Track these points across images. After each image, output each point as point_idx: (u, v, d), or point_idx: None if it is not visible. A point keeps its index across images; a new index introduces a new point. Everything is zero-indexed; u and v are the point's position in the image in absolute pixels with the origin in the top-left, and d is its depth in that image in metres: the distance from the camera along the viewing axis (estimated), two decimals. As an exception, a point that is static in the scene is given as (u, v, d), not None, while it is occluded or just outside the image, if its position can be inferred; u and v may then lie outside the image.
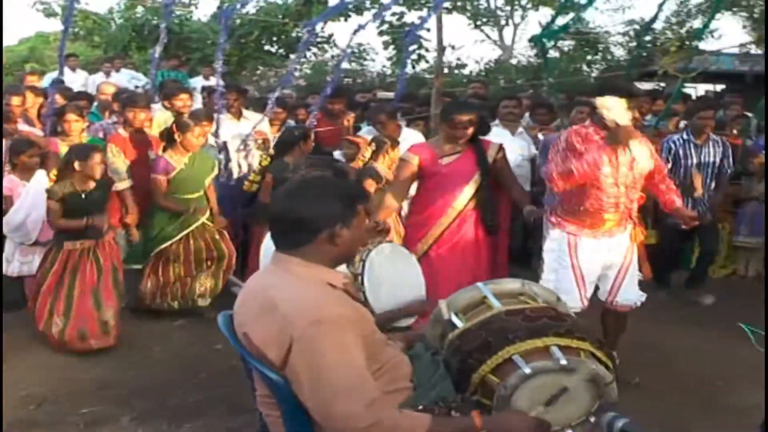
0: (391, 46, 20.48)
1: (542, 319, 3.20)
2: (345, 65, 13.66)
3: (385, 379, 3.04)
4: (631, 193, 5.41)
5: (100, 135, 8.02)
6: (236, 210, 7.96)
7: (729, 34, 34.90)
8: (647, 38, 14.05)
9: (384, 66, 22.49)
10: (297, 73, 16.99)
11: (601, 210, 5.33)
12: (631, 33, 19.79)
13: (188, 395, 5.51)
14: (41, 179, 7.03)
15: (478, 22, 25.28)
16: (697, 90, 19.66)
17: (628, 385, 5.39)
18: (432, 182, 5.92)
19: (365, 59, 22.46)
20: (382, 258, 4.30)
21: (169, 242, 7.21)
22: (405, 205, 6.76)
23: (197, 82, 13.91)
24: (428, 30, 11.42)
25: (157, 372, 6.00)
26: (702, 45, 13.78)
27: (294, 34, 19.38)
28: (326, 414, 2.76)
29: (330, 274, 3.05)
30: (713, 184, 8.00)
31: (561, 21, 11.49)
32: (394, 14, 19.13)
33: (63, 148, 7.38)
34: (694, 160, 7.83)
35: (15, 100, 8.14)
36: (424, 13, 12.18)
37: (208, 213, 7.41)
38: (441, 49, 11.13)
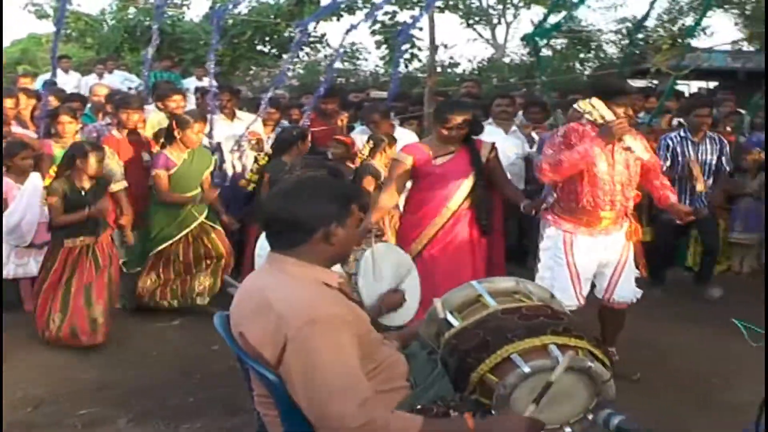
0: (384, 46, 20.49)
1: (539, 318, 3.21)
2: (338, 65, 13.70)
3: (381, 378, 3.05)
4: (628, 190, 5.42)
5: (94, 136, 7.99)
6: (230, 210, 7.94)
7: (721, 31, 35.04)
8: (639, 36, 14.09)
9: (377, 65, 22.56)
10: (290, 73, 16.92)
11: (598, 207, 5.34)
12: (624, 31, 19.85)
13: (186, 396, 5.50)
14: (36, 181, 7.02)
15: (471, 21, 25.36)
16: (690, 87, 19.67)
17: (628, 381, 5.41)
18: (426, 182, 5.88)
19: (358, 59, 22.50)
20: (377, 257, 4.31)
21: (169, 242, 7.23)
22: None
23: (190, 82, 13.91)
24: (420, 29, 11.41)
25: (155, 372, 5.99)
26: (694, 42, 13.82)
27: (286, 34, 19.38)
28: (319, 413, 2.76)
29: (325, 273, 3.05)
30: (710, 182, 8.01)
31: (553, 19, 11.51)
32: (386, 13, 19.18)
33: (57, 150, 7.39)
34: (692, 158, 7.85)
35: (8, 102, 8.13)
36: (416, 12, 12.16)
37: (206, 212, 7.42)
38: (434, 48, 11.11)
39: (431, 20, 10.43)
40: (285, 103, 10.97)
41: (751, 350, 5.52)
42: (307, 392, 2.77)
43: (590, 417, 3.12)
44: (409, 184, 6.11)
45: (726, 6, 18.84)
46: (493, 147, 6.06)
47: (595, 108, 5.08)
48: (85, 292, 6.51)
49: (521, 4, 24.83)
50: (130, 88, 12.06)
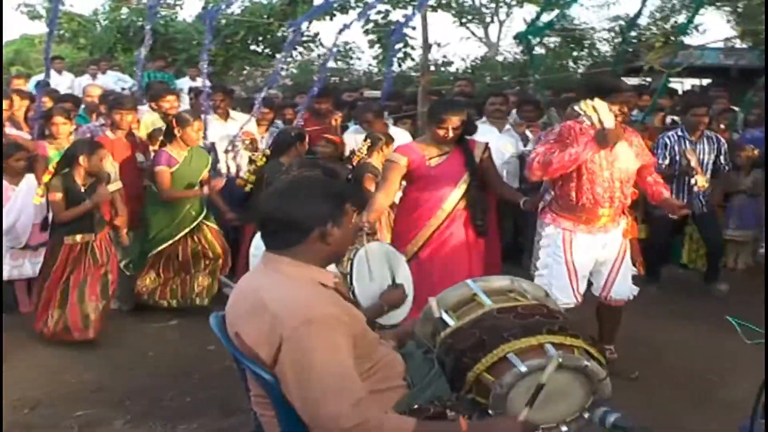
0: (377, 45, 20.50)
1: (535, 317, 3.21)
2: (331, 64, 13.69)
3: (378, 378, 3.06)
4: (626, 187, 5.46)
5: (88, 137, 7.97)
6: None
7: (713, 28, 35.06)
8: (632, 34, 14.09)
9: (370, 64, 22.53)
10: (283, 73, 16.95)
11: (597, 205, 5.36)
12: (617, 29, 19.86)
13: (183, 396, 5.51)
14: (30, 183, 7.02)
15: (464, 20, 25.33)
16: (683, 85, 19.71)
17: (624, 379, 5.41)
18: (420, 184, 5.85)
19: (351, 58, 22.49)
20: (371, 256, 4.32)
21: (169, 242, 7.25)
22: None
23: (184, 83, 13.90)
24: (413, 28, 11.48)
25: (152, 373, 5.99)
26: (687, 40, 13.79)
27: (279, 34, 19.37)
28: (313, 413, 2.77)
29: (321, 273, 3.06)
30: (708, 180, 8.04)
31: (546, 18, 11.51)
32: (379, 13, 19.22)
33: (51, 151, 7.39)
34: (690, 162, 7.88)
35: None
36: (409, 11, 12.19)
37: (204, 212, 7.44)
38: (427, 47, 11.12)
39: (424, 19, 10.44)
40: (279, 103, 10.97)
41: (746, 347, 5.51)
42: (301, 392, 2.78)
43: (586, 416, 3.13)
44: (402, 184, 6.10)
45: (718, 3, 18.85)
46: (486, 147, 6.05)
47: (596, 111, 5.03)
48: (80, 288, 6.53)
49: (514, 3, 24.81)
50: (123, 89, 12.07)
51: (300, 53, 21.15)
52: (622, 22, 19.06)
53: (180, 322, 7.19)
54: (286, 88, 17.61)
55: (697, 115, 7.97)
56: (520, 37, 11.73)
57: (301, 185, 3.18)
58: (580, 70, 20.05)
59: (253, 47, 20.45)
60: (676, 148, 7.92)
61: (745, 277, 8.58)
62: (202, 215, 7.41)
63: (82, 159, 6.52)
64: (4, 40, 26.27)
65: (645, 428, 4.40)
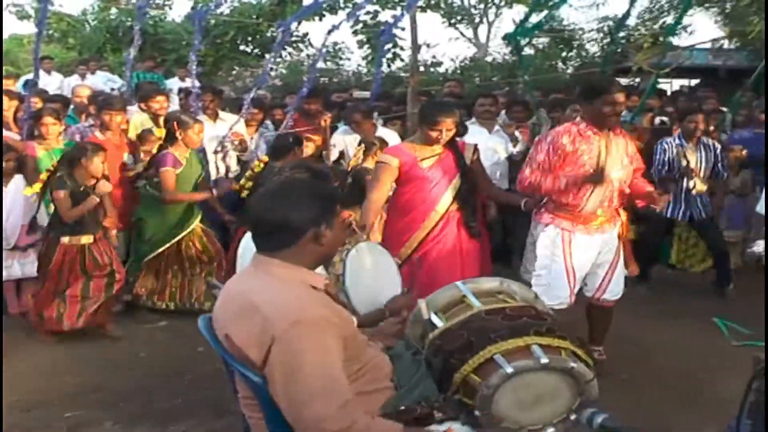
0: (366, 45, 20.50)
1: (523, 318, 3.23)
2: (320, 65, 13.68)
3: (366, 379, 3.07)
4: (624, 187, 5.51)
5: (77, 138, 7.98)
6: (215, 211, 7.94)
7: (701, 29, 35.13)
8: (621, 35, 14.13)
9: (359, 65, 22.52)
10: (272, 73, 16.93)
11: (595, 205, 5.41)
12: (605, 30, 19.89)
13: (173, 397, 5.50)
14: (19, 184, 7.00)
15: (453, 20, 25.37)
16: (671, 85, 19.79)
17: (613, 379, 5.43)
18: (413, 186, 5.79)
19: (341, 58, 22.47)
20: (361, 257, 4.32)
21: (167, 245, 7.25)
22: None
23: (173, 83, 13.88)
24: (403, 29, 11.46)
25: (142, 374, 5.99)
26: (675, 41, 13.85)
27: (269, 34, 19.36)
28: (299, 414, 2.77)
29: (311, 275, 3.07)
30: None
31: (535, 18, 11.54)
32: (368, 13, 19.23)
33: (40, 152, 7.38)
34: (688, 162, 7.95)
35: (-9, 104, 8.11)
36: (398, 11, 12.19)
37: (200, 215, 7.46)
38: (416, 48, 11.12)
39: (413, 20, 10.43)
40: (268, 104, 10.96)
41: (733, 346, 5.56)
42: (288, 393, 2.78)
43: (573, 417, 3.14)
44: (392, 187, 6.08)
45: (706, 4, 18.91)
46: (476, 149, 6.04)
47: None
48: (84, 285, 6.65)
49: (503, 3, 24.90)
50: (112, 89, 12.04)
51: (289, 53, 21.14)
52: (610, 23, 19.06)
53: (170, 323, 7.19)
54: (276, 89, 17.59)
55: (693, 121, 8.02)
56: (509, 38, 11.76)
57: (293, 187, 3.19)
58: (569, 71, 20.08)
59: (242, 47, 20.43)
60: (675, 155, 7.98)
61: (735, 278, 8.60)
62: (198, 218, 7.42)
63: (83, 161, 6.55)
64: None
65: (633, 429, 4.42)
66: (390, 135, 8.41)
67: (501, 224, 8.76)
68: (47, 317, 6.62)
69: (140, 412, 5.29)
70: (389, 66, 18.53)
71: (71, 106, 9.79)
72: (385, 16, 19.01)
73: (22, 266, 7.07)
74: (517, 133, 8.96)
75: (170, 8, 21.24)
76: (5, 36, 26.20)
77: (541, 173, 5.40)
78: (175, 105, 9.99)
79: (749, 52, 17.62)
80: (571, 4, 22.49)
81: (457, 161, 5.83)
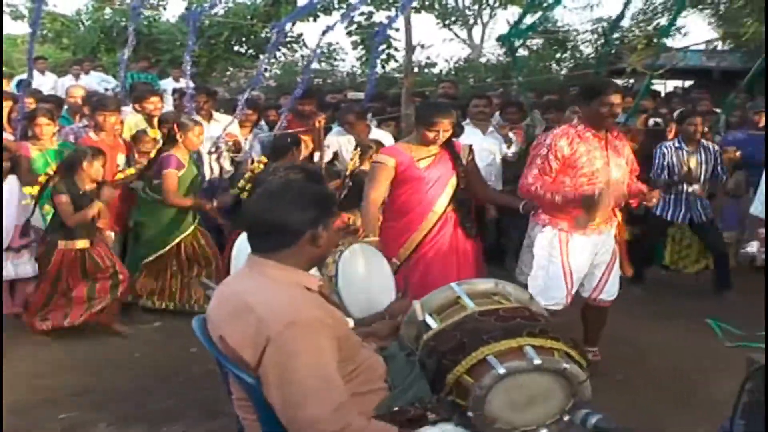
0: (360, 46, 20.49)
1: (516, 319, 3.23)
2: (315, 65, 13.65)
3: (360, 380, 3.07)
4: (622, 188, 5.53)
5: (71, 139, 7.97)
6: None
7: (695, 31, 35.24)
8: (615, 36, 14.14)
9: (354, 66, 22.50)
10: (267, 74, 16.92)
11: None
12: (599, 31, 19.91)
13: (166, 399, 5.49)
14: (12, 184, 6.98)
15: (447, 21, 25.36)
16: (665, 86, 19.82)
17: (607, 379, 5.45)
18: (409, 187, 5.74)
19: (335, 59, 22.45)
20: (354, 258, 4.32)
21: (168, 247, 7.27)
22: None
23: (167, 83, 13.86)
24: (397, 30, 11.44)
25: (135, 375, 5.98)
26: (669, 42, 13.89)
27: (263, 35, 19.35)
28: (294, 416, 2.78)
29: (306, 277, 3.07)
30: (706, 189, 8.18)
31: (529, 19, 11.55)
32: (362, 14, 19.18)
33: (34, 153, 7.35)
34: (689, 166, 7.98)
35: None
36: (392, 12, 12.19)
37: (198, 218, 7.46)
38: (410, 49, 11.12)
39: (407, 21, 10.44)
40: (262, 105, 10.96)
41: (726, 347, 5.58)
42: (282, 394, 2.78)
43: (566, 418, 3.14)
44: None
45: (700, 6, 18.95)
46: (471, 150, 6.04)
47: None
48: (89, 289, 6.69)
49: (497, 5, 24.87)
50: (106, 89, 12.03)
51: (283, 54, 21.09)
52: (604, 24, 19.08)
53: (165, 324, 7.17)
54: (270, 90, 17.56)
55: (692, 124, 8.07)
56: (503, 39, 11.79)
57: (290, 188, 3.19)
58: (563, 72, 20.09)
59: (236, 48, 20.42)
60: (674, 159, 8.03)
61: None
62: (197, 220, 7.44)
63: (85, 165, 6.57)
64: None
65: (627, 429, 4.43)
66: (384, 136, 8.41)
67: (495, 225, 8.77)
68: (52, 317, 6.66)
69: (134, 413, 5.27)
70: (383, 67, 18.52)
71: (65, 107, 9.78)
72: (380, 17, 19.00)
73: (15, 267, 7.03)
74: (511, 135, 8.96)
75: (164, 9, 21.26)
76: None
77: (542, 182, 5.41)
78: (169, 106, 10.01)
79: (743, 53, 17.68)
80: (566, 6, 22.62)
81: (454, 161, 5.81)
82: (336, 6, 18.33)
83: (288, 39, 19.46)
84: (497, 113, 9.80)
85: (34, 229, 6.98)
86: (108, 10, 20.11)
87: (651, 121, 9.97)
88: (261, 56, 18.03)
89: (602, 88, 5.44)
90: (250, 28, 19.27)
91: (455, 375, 3.09)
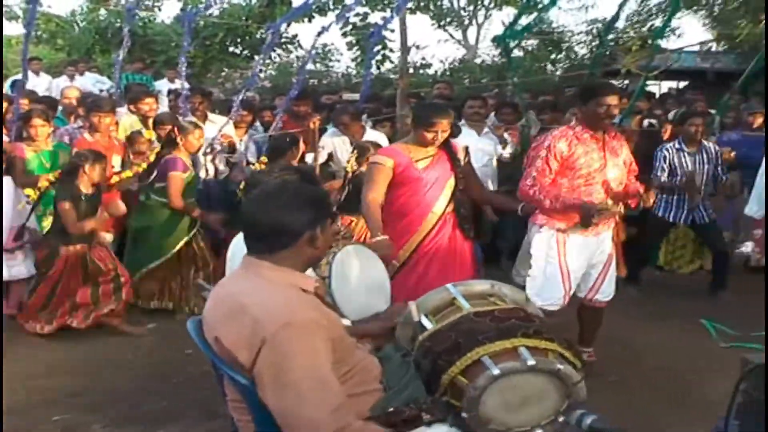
0: (356, 47, 20.49)
1: (511, 320, 3.23)
2: (310, 66, 13.68)
3: (355, 382, 3.06)
4: (619, 189, 5.55)
5: (66, 140, 7.95)
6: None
7: (690, 32, 35.28)
8: (610, 37, 14.14)
9: (349, 67, 22.51)
10: (262, 75, 16.92)
11: None
12: (594, 32, 19.93)
13: (161, 400, 5.48)
14: (7, 186, 6.98)
15: (442, 22, 25.40)
16: (660, 87, 19.84)
17: (603, 380, 5.47)
18: (407, 189, 5.66)
19: (330, 60, 22.47)
20: (348, 259, 4.32)
21: (173, 251, 7.29)
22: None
23: (162, 84, 13.86)
24: (392, 30, 11.45)
25: (130, 377, 5.97)
26: (663, 43, 13.88)
27: (258, 36, 19.35)
28: (291, 418, 2.77)
29: (302, 278, 3.07)
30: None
31: (524, 20, 11.54)
32: (357, 15, 19.20)
33: (29, 154, 7.34)
34: (690, 167, 8.00)
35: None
36: (387, 13, 12.17)
37: (199, 222, 7.47)
38: (405, 50, 11.12)
39: (403, 22, 10.45)
40: (257, 105, 10.96)
41: (723, 347, 5.59)
42: (279, 396, 2.78)
43: (561, 419, 3.14)
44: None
45: (695, 8, 18.99)
46: (467, 151, 6.02)
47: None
48: (92, 293, 6.74)
49: (492, 6, 24.94)
50: (101, 90, 12.01)
51: (278, 55, 21.11)
52: (599, 26, 19.10)
53: (159, 326, 7.16)
54: (265, 90, 17.57)
55: (694, 124, 8.10)
56: (498, 40, 11.73)
57: (287, 190, 3.18)
58: (558, 73, 20.12)
59: (231, 49, 20.41)
60: (676, 160, 8.06)
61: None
62: (198, 223, 7.46)
63: (87, 168, 6.58)
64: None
65: (622, 430, 4.43)
66: (379, 137, 8.40)
67: (490, 225, 8.77)
68: (56, 322, 6.70)
69: (129, 414, 5.27)
70: (378, 68, 18.52)
71: (60, 108, 9.76)
72: (375, 17, 18.99)
73: (9, 268, 7.04)
74: (506, 135, 8.98)
75: (159, 10, 21.22)
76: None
77: (541, 185, 5.41)
78: (164, 107, 9.99)
79: (737, 55, 17.72)
80: (561, 7, 22.63)
81: (452, 162, 5.76)
82: (331, 7, 18.33)
83: (283, 40, 19.49)
84: (492, 114, 9.81)
85: (28, 231, 6.96)
86: (103, 11, 20.10)
87: (645, 122, 9.99)
88: (256, 57, 17.97)
89: (599, 89, 5.46)
90: (245, 29, 19.27)
91: (450, 375, 3.09)
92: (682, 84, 20.90)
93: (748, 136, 9.26)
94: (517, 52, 17.76)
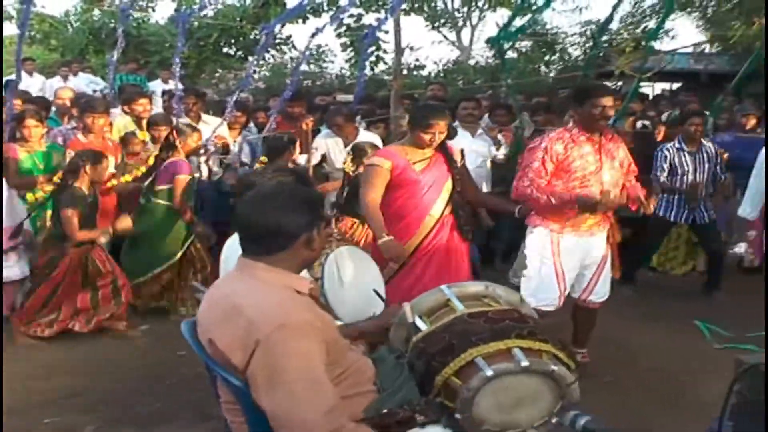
0: (350, 48, 20.50)
1: (505, 321, 3.23)
2: (304, 67, 13.66)
3: (348, 383, 3.06)
4: (615, 190, 5.53)
5: (59, 141, 7.94)
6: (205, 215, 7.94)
7: (683, 34, 35.36)
8: (604, 39, 14.16)
9: (343, 68, 22.50)
10: (256, 76, 16.92)
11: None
12: (588, 34, 19.98)
13: (155, 402, 5.47)
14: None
15: (436, 24, 25.39)
16: (653, 89, 19.88)
17: (597, 381, 5.48)
18: (404, 191, 5.59)
19: (324, 61, 22.47)
20: (341, 261, 4.32)
21: (179, 255, 7.31)
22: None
23: (156, 85, 13.86)
24: (386, 32, 11.43)
25: (123, 378, 5.95)
26: (657, 45, 13.92)
27: (252, 37, 19.36)
28: (284, 420, 2.77)
29: (297, 279, 3.07)
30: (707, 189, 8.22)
31: (518, 22, 11.55)
32: (351, 16, 19.19)
33: (22, 154, 7.31)
34: (690, 167, 8.02)
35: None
36: (381, 14, 12.19)
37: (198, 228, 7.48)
38: (399, 51, 11.11)
39: (397, 23, 10.44)
40: (251, 106, 10.95)
41: (717, 348, 5.59)
42: (272, 398, 2.78)
43: (554, 420, 3.14)
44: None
45: (688, 9, 19.03)
46: (462, 153, 5.97)
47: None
48: (92, 297, 6.75)
49: (486, 7, 24.90)
50: (95, 91, 12.02)
51: (272, 56, 21.12)
52: (593, 27, 19.15)
53: (152, 327, 7.14)
54: (259, 91, 17.57)
55: (694, 124, 8.13)
56: (492, 42, 11.76)
57: (283, 192, 3.18)
58: (551, 75, 20.14)
59: (225, 50, 20.43)
60: (676, 160, 8.09)
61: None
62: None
63: (88, 169, 6.60)
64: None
65: (616, 431, 4.43)
66: (373, 138, 8.39)
67: (485, 227, 8.77)
68: (59, 320, 6.72)
69: (121, 416, 5.26)
70: (372, 69, 18.51)
71: (53, 109, 9.75)
72: (369, 19, 18.98)
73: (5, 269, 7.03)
74: (500, 137, 8.98)
75: (153, 10, 21.28)
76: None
77: (537, 184, 5.41)
78: (158, 108, 9.99)
79: (730, 56, 17.74)
80: (555, 9, 22.65)
81: (449, 164, 5.71)
82: (325, 8, 18.36)
83: (277, 41, 19.50)
84: (486, 115, 9.82)
85: (23, 232, 6.94)
86: (97, 12, 20.10)
87: (639, 124, 10.00)
88: (250, 58, 17.97)
89: (593, 91, 5.48)
90: (239, 29, 19.27)
91: (443, 377, 3.09)
92: (676, 85, 20.91)
93: (741, 138, 9.27)
94: (510, 54, 17.73)
